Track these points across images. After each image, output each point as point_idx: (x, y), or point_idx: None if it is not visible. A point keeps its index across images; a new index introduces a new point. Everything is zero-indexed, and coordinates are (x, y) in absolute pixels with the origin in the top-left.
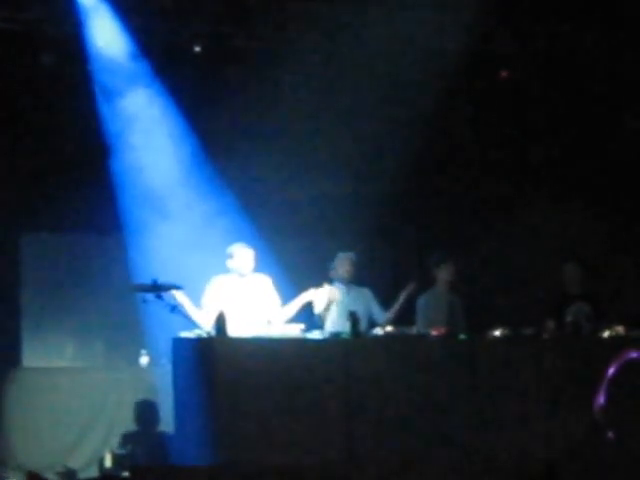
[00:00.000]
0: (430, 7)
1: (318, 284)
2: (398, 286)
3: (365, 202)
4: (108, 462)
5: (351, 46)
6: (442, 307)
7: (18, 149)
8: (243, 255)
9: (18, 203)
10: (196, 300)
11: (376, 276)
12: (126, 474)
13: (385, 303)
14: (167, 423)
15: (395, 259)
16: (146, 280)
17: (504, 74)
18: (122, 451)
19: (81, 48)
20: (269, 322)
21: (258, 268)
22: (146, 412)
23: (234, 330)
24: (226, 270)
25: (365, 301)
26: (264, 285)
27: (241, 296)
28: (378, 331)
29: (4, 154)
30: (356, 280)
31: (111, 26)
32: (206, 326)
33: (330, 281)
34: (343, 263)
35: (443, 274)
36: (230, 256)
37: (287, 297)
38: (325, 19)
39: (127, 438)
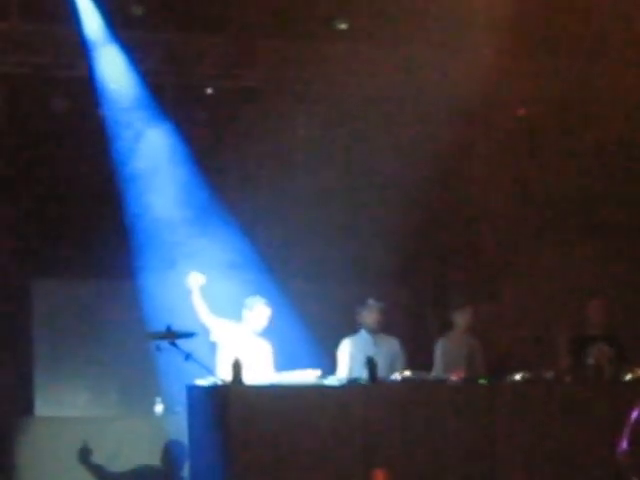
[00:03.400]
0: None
1: (340, 335)
2: (413, 330)
3: (381, 247)
4: None
5: (366, 85)
6: (460, 352)
7: (28, 194)
8: (262, 311)
9: (29, 249)
10: (213, 348)
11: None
12: None
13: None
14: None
15: (410, 303)
16: (160, 327)
17: (521, 111)
18: None
19: (92, 91)
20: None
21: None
22: (173, 453)
23: (249, 379)
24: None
25: (391, 352)
26: (264, 350)
27: (247, 351)
28: (396, 376)
29: (14, 199)
30: (384, 329)
31: (121, 69)
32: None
33: (357, 329)
34: (372, 311)
35: (461, 319)
36: (249, 307)
37: (300, 344)
38: (338, 59)
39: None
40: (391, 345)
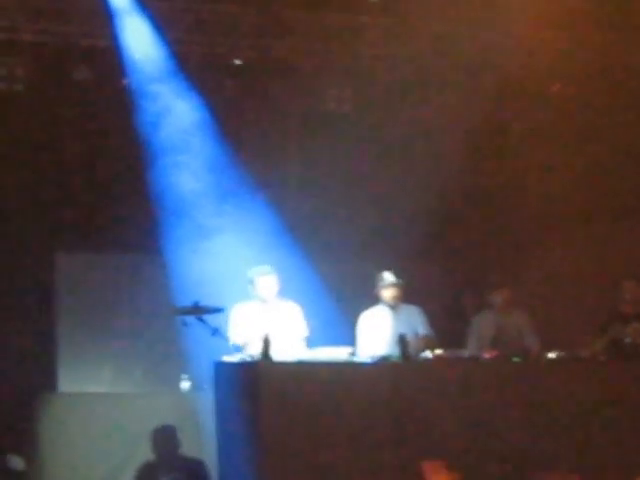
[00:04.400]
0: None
1: (364, 307)
2: (446, 310)
3: (414, 221)
4: None
5: (398, 60)
6: (494, 331)
7: (51, 166)
8: (262, 281)
9: (53, 221)
10: None
11: (426, 298)
12: None
13: (434, 326)
14: (210, 450)
15: (444, 283)
16: (187, 302)
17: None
18: None
19: (116, 61)
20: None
21: (297, 291)
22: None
23: (277, 354)
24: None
25: (412, 320)
26: (291, 313)
27: (265, 323)
28: (428, 354)
29: (38, 171)
30: (404, 298)
31: (148, 39)
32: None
33: (376, 301)
34: (389, 289)
35: (498, 299)
36: (250, 282)
37: (329, 322)
38: (370, 32)
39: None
40: (410, 313)
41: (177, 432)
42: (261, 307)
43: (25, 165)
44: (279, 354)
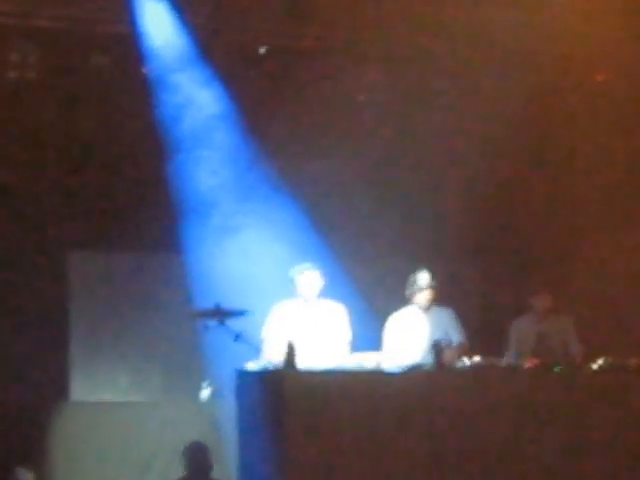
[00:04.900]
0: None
1: (393, 308)
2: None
3: (453, 221)
4: None
5: (432, 46)
6: (535, 337)
7: (66, 160)
8: (305, 279)
9: (65, 218)
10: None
11: (459, 299)
12: None
13: (467, 327)
14: (231, 463)
15: (485, 283)
16: (208, 304)
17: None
18: None
19: (135, 48)
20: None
21: (330, 293)
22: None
23: (302, 362)
24: (291, 295)
25: (444, 324)
26: (335, 315)
27: (307, 324)
28: (464, 362)
29: (51, 165)
30: (438, 300)
31: (168, 24)
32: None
33: (406, 302)
34: (424, 292)
35: (539, 303)
36: (292, 280)
37: (358, 323)
38: (403, 18)
39: None
40: (442, 316)
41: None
42: (303, 306)
43: (38, 158)
44: (313, 359)
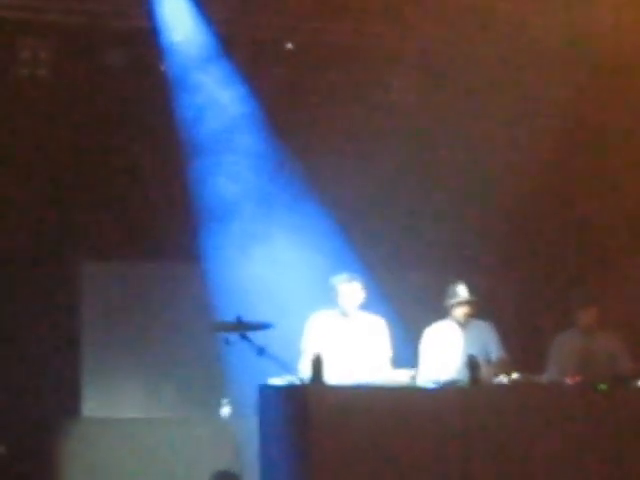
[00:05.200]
0: None
1: (427, 322)
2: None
3: (491, 232)
4: None
5: (468, 42)
6: (575, 353)
7: (79, 164)
8: (347, 289)
9: (78, 226)
10: (289, 342)
11: (499, 313)
12: None
13: (506, 343)
14: None
15: (522, 294)
16: (229, 317)
17: None
18: None
19: (154, 44)
20: (376, 368)
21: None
22: None
23: (334, 376)
24: (328, 304)
25: (483, 339)
26: (376, 329)
27: (345, 338)
28: (502, 379)
29: (63, 169)
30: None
31: (189, 19)
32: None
33: (442, 315)
34: (462, 306)
35: (584, 318)
36: (333, 290)
37: (397, 339)
38: (438, 12)
39: None
40: (481, 330)
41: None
42: (341, 318)
43: (49, 162)
44: (348, 374)
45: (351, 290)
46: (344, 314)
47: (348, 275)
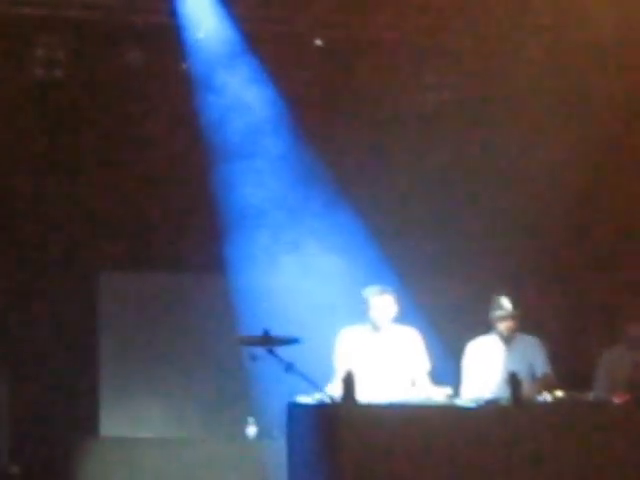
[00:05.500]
0: None
1: (467, 336)
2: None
3: (531, 236)
4: None
5: (509, 35)
6: (624, 369)
7: (97, 169)
8: (380, 302)
9: (96, 233)
10: (319, 357)
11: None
12: None
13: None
14: None
15: (568, 308)
16: (255, 330)
17: None
18: None
19: (174, 42)
20: (412, 384)
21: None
22: None
23: (366, 395)
24: (359, 319)
25: (529, 354)
26: (409, 341)
27: (376, 353)
28: (545, 397)
29: (80, 174)
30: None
31: (212, 14)
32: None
33: (488, 331)
34: (506, 320)
35: (635, 332)
36: (364, 303)
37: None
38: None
39: None
40: (526, 345)
41: None
42: (372, 333)
43: (65, 168)
44: (382, 392)
45: (383, 303)
46: (376, 328)
47: (380, 287)
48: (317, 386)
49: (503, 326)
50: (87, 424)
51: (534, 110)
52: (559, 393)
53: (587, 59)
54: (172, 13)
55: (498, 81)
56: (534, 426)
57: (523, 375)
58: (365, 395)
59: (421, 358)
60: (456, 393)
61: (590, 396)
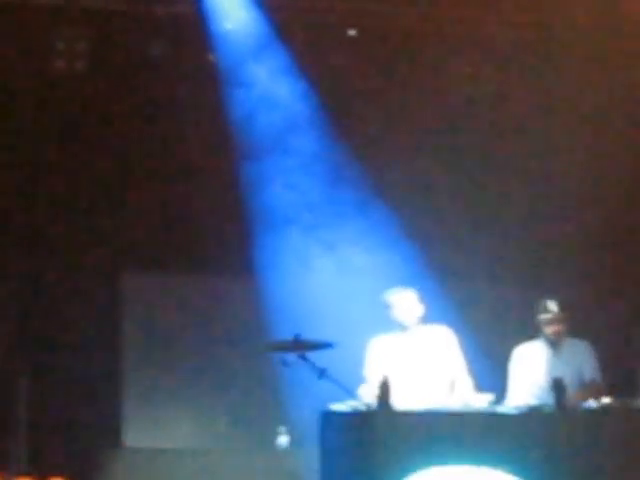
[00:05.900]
0: None
1: (510, 341)
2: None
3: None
4: None
5: (552, 26)
6: None
7: (119, 167)
8: (403, 302)
9: (117, 235)
10: (354, 363)
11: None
12: None
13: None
14: None
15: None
16: (286, 335)
17: None
18: None
19: (200, 33)
20: (452, 385)
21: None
22: None
23: (402, 401)
24: (387, 326)
25: (577, 360)
26: (441, 338)
27: (408, 356)
28: (591, 403)
29: (101, 172)
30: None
31: (239, 4)
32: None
33: (535, 335)
34: (553, 325)
35: None
36: (387, 306)
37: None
38: None
39: None
40: (575, 350)
41: None
42: (401, 336)
43: (86, 166)
44: (418, 397)
45: (406, 301)
46: (403, 329)
47: (402, 288)
48: (351, 393)
49: (550, 330)
50: (111, 435)
51: (575, 104)
52: (605, 399)
53: (633, 58)
54: (197, 2)
55: (536, 72)
56: (578, 434)
57: (570, 381)
58: (400, 401)
59: (455, 355)
60: (500, 400)
61: (638, 403)
